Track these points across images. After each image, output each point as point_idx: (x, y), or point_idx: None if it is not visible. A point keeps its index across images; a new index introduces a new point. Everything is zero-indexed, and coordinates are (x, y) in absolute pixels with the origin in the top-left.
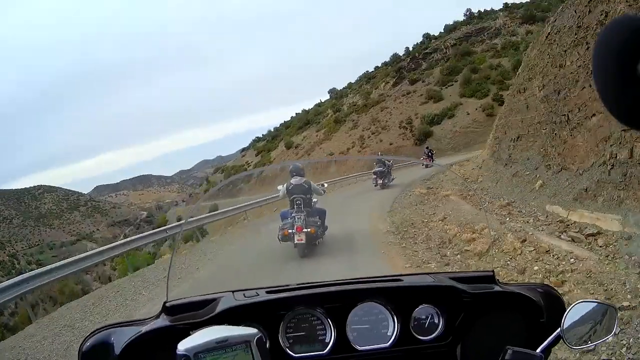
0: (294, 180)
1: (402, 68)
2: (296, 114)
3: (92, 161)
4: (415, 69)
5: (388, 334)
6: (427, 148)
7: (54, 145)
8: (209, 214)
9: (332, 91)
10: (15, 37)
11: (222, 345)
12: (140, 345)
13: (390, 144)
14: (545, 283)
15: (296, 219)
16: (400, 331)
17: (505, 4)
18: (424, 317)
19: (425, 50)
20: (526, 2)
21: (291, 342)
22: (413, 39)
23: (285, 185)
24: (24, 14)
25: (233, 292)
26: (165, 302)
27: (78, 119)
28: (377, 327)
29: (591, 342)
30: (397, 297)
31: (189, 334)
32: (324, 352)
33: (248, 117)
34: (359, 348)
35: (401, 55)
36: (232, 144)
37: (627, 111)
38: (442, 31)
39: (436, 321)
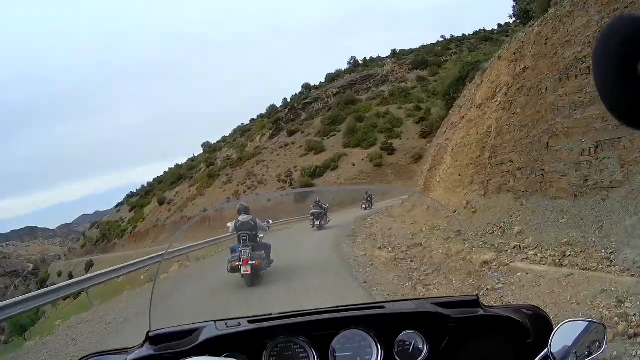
0: (242, 218)
1: (279, 119)
2: (169, 168)
3: None
4: (294, 119)
5: None
6: (366, 193)
7: None
8: (184, 246)
9: (205, 145)
10: None
11: None
12: None
13: (269, 201)
14: (531, 304)
15: (242, 252)
16: (384, 358)
17: (393, 51)
18: (407, 343)
19: (305, 100)
20: (415, 48)
21: None
22: (293, 90)
23: (234, 222)
24: None
25: (215, 321)
26: (148, 332)
27: None
28: (360, 354)
29: None
30: (380, 324)
31: None
32: None
33: (127, 172)
34: None
35: (279, 106)
36: (111, 198)
37: (627, 111)
38: (324, 80)
39: (420, 347)
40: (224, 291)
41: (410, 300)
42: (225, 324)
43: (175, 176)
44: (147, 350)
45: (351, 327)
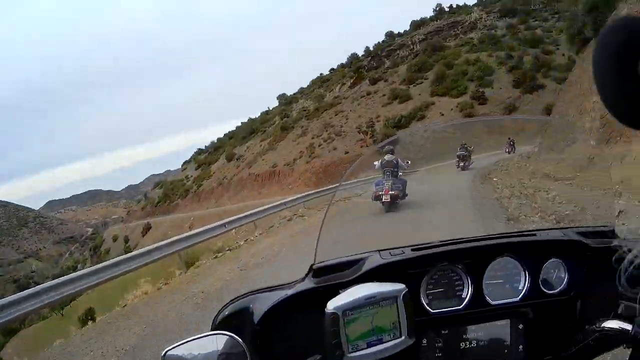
0: (386, 157)
1: (361, 68)
2: (242, 123)
3: (44, 175)
4: (377, 67)
5: (519, 288)
6: (509, 139)
7: (6, 160)
8: (363, 179)
9: (281, 97)
10: None
11: (370, 301)
12: (284, 309)
13: (346, 153)
14: None
15: (385, 184)
16: (530, 285)
17: None
18: (551, 271)
19: (389, 47)
20: None
21: (430, 299)
22: (375, 40)
23: (380, 160)
24: None
25: (379, 251)
26: (312, 265)
27: (28, 134)
28: (509, 281)
29: None
30: (531, 251)
31: (338, 293)
32: (460, 307)
33: (203, 130)
34: (492, 302)
35: (360, 55)
36: (182, 158)
37: (627, 110)
38: (408, 28)
39: (562, 275)
40: (367, 217)
41: (557, 229)
42: (389, 252)
43: (247, 130)
44: (309, 282)
45: (505, 254)
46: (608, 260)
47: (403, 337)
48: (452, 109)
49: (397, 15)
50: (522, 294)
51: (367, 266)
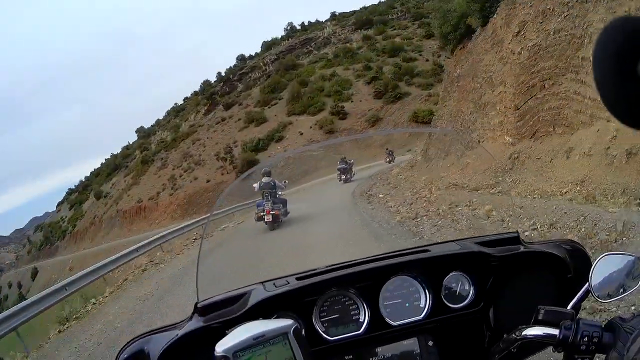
0: (264, 179)
1: (214, 94)
2: (105, 159)
3: None
4: (230, 92)
5: (421, 305)
6: (387, 149)
7: None
8: (233, 207)
9: (139, 130)
10: None
11: (259, 341)
12: (176, 351)
13: (208, 181)
14: (569, 239)
15: (265, 205)
16: (433, 302)
17: (333, 14)
18: (454, 285)
19: (241, 71)
20: (356, 10)
21: (326, 326)
22: (228, 65)
23: (258, 183)
24: None
25: (263, 283)
26: (196, 303)
27: None
28: (409, 300)
29: (619, 295)
30: (427, 268)
31: (225, 334)
32: (360, 331)
33: (70, 169)
34: (393, 323)
35: (213, 81)
36: (57, 198)
37: (627, 110)
38: (260, 50)
39: (467, 288)
40: (251, 239)
41: (453, 241)
42: (273, 284)
43: (111, 167)
44: (196, 322)
45: (399, 274)
46: (517, 268)
47: None
48: (311, 127)
49: (249, 39)
50: (424, 311)
51: (251, 301)
